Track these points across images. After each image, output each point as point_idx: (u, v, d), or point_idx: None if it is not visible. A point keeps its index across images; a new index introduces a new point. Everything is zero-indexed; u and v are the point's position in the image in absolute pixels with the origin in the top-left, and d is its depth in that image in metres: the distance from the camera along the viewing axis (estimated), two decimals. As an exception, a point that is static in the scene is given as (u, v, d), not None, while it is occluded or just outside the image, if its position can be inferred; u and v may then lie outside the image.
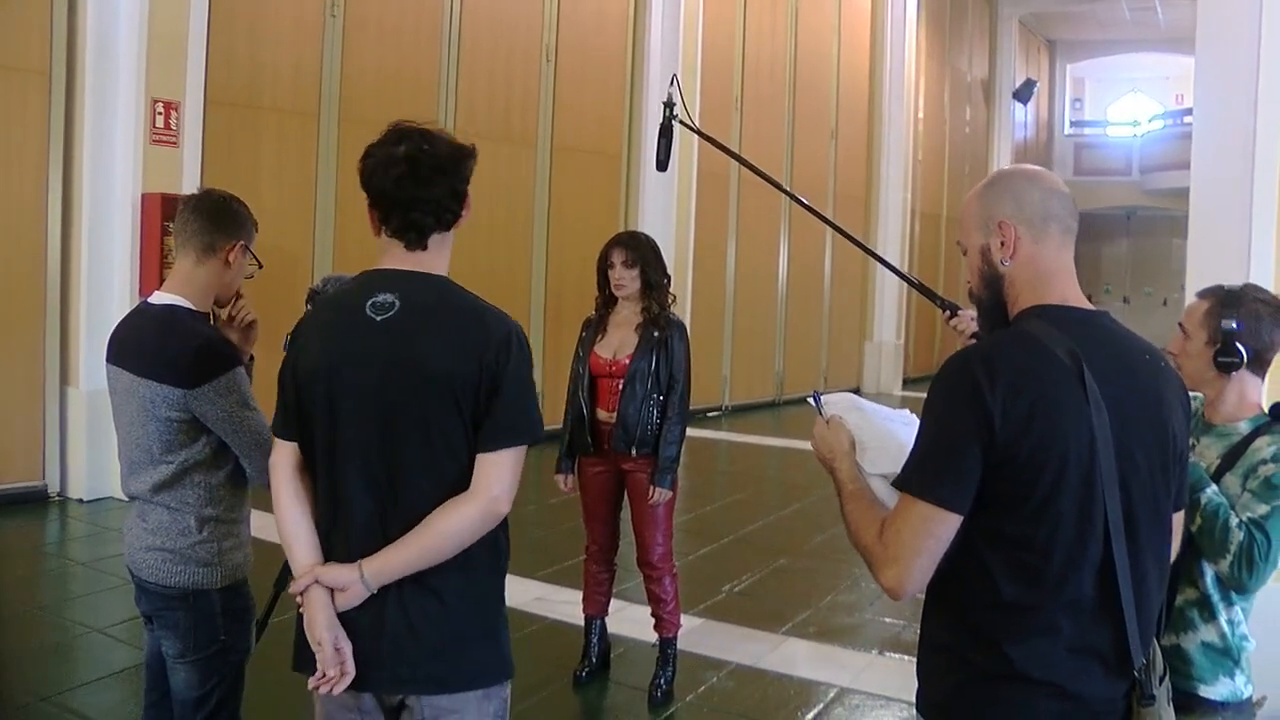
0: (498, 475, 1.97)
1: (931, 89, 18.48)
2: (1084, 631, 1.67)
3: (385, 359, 1.98)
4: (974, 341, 2.73)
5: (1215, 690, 2.30)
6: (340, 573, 1.98)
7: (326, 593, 1.99)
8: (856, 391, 15.92)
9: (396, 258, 2.08)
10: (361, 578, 1.97)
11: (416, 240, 2.07)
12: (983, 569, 1.69)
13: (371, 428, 1.99)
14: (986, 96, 21.34)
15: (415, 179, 2.02)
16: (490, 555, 2.06)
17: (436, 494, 1.97)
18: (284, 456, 2.10)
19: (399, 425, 1.98)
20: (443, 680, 2.02)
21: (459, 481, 1.98)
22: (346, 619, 2.00)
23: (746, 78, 13.40)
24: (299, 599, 2.03)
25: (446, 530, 1.95)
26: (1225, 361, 2.35)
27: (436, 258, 2.11)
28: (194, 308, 2.59)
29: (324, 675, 1.98)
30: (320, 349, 2.05)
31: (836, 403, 2.01)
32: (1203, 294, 2.45)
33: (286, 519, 2.07)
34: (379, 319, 2.00)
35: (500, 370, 1.98)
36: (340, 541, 2.03)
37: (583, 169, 11.01)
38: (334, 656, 1.97)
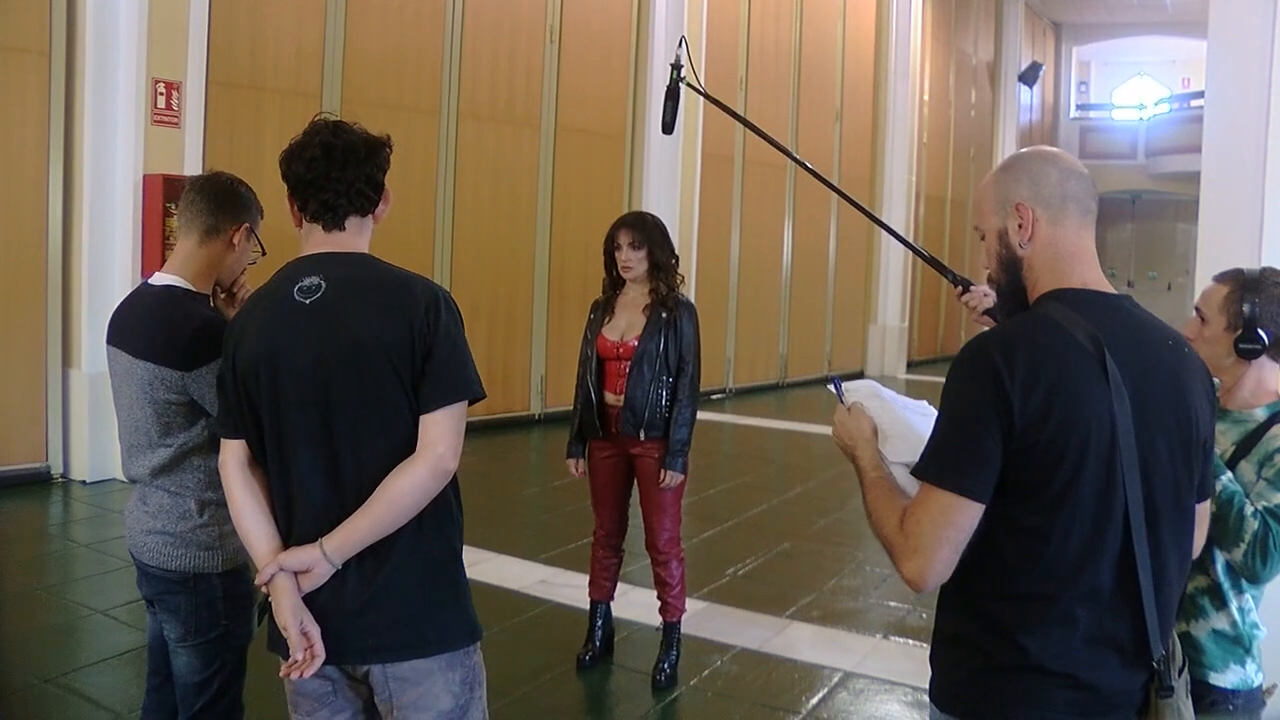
0: (439, 433, 2.00)
1: (937, 71, 18.39)
2: (1101, 622, 1.65)
3: (319, 339, 2.02)
4: (986, 318, 2.71)
5: (1226, 678, 2.28)
6: (303, 554, 2.02)
7: (291, 578, 2.02)
8: (860, 375, 15.96)
9: (316, 242, 2.13)
10: (324, 555, 2.00)
11: (334, 221, 2.12)
12: (999, 558, 1.66)
13: (314, 409, 2.02)
14: (992, 79, 21.22)
15: (329, 161, 2.07)
16: (443, 521, 2.10)
17: (386, 463, 2.00)
18: (231, 454, 2.12)
19: (341, 401, 2.01)
20: (407, 645, 2.05)
21: (406, 448, 2.01)
22: (308, 598, 2.03)
23: (751, 59, 13.33)
24: (265, 589, 2.06)
25: (398, 495, 1.98)
26: (1246, 348, 2.31)
27: (356, 239, 2.15)
28: (193, 288, 2.56)
29: (293, 661, 2.01)
30: (255, 341, 2.07)
31: (857, 389, 1.98)
32: (1220, 278, 2.40)
33: (243, 512, 2.10)
34: (308, 302, 2.04)
35: (432, 331, 2.02)
36: (299, 525, 2.06)
37: (586, 150, 10.97)
38: (301, 641, 2.01)
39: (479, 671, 2.18)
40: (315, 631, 2.02)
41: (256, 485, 2.11)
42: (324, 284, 2.05)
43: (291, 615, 2.01)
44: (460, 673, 2.11)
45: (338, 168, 2.08)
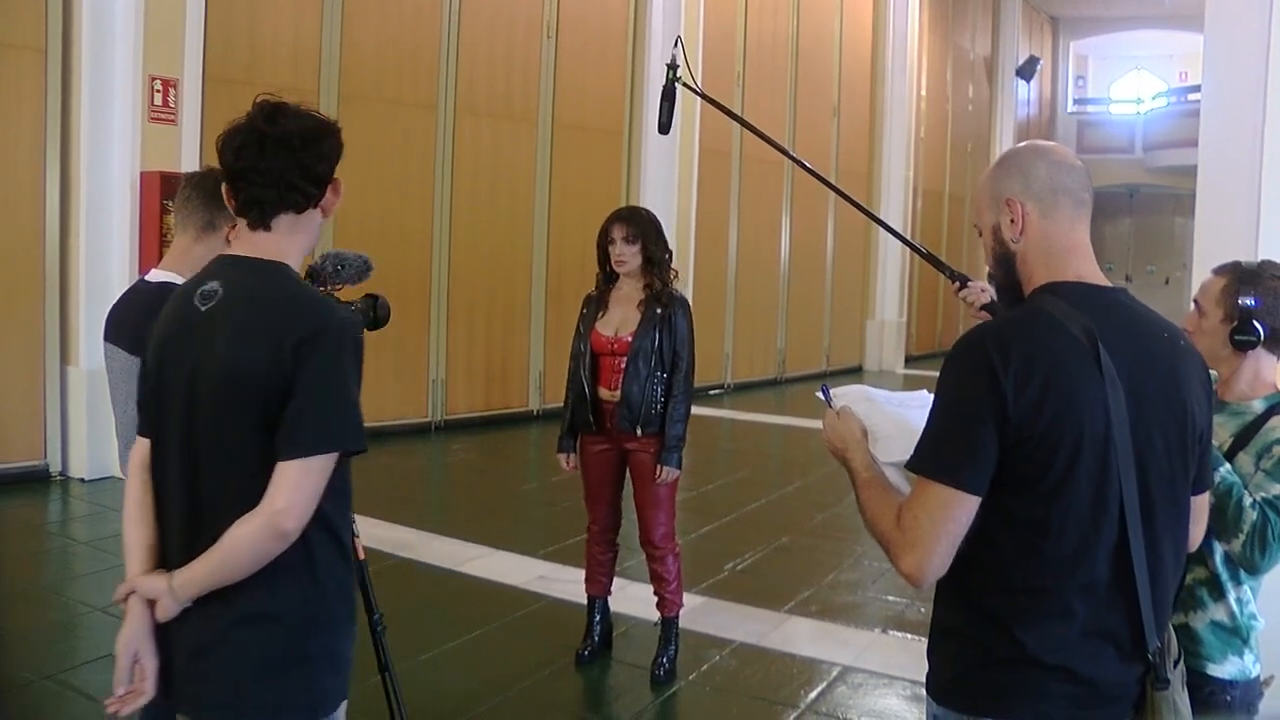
0: (282, 488, 1.77)
1: (934, 66, 18.38)
2: (1098, 615, 1.65)
3: (194, 354, 1.85)
4: (984, 314, 2.72)
5: (1223, 669, 2.28)
6: (155, 583, 1.85)
7: (144, 604, 1.86)
8: (859, 369, 15.97)
9: (240, 239, 1.95)
10: (170, 589, 1.83)
11: (258, 218, 1.90)
12: (995, 552, 1.67)
13: (181, 427, 1.86)
14: (989, 74, 21.22)
15: (256, 149, 1.86)
16: (302, 578, 1.86)
17: (240, 502, 1.79)
18: (139, 452, 1.98)
19: (202, 424, 1.84)
20: (233, 709, 1.86)
21: (261, 490, 1.79)
22: (162, 634, 1.88)
23: (749, 54, 13.33)
24: (123, 606, 1.90)
25: (234, 546, 1.78)
26: (1242, 339, 2.32)
27: (284, 242, 1.92)
28: (189, 285, 2.55)
29: (113, 696, 1.85)
30: (153, 342, 1.95)
31: (846, 394, 1.98)
32: (1219, 270, 2.41)
33: (127, 518, 1.95)
34: (203, 309, 1.87)
35: (296, 369, 1.78)
36: (166, 545, 1.91)
37: (584, 146, 10.96)
38: (125, 674, 1.85)
39: None
40: (150, 666, 1.86)
41: (151, 492, 1.94)
42: (221, 292, 1.87)
43: (125, 643, 1.85)
44: None
45: (267, 158, 1.86)
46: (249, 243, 1.92)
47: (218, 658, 1.84)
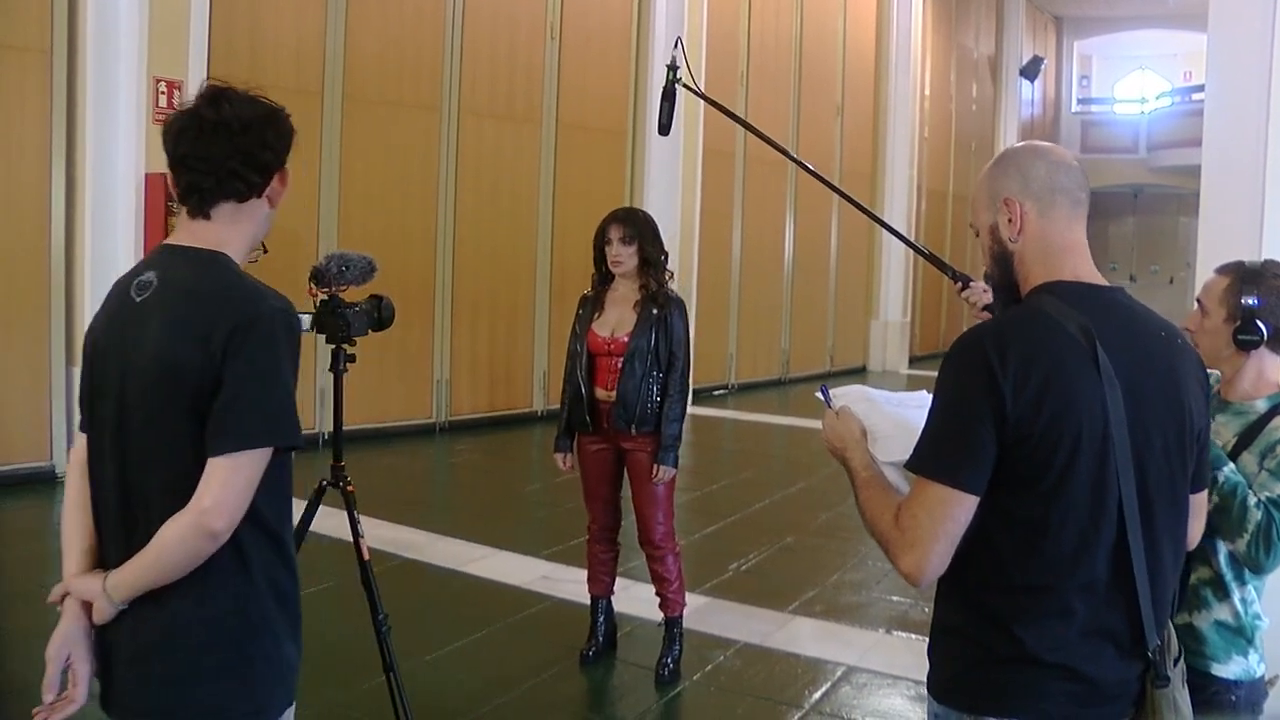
0: (211, 484, 1.70)
1: (938, 66, 18.37)
2: (1097, 613, 1.65)
3: (127, 347, 1.79)
4: (986, 314, 2.72)
5: (1228, 669, 2.28)
6: (89, 584, 1.79)
7: (79, 606, 1.80)
8: (863, 370, 15.97)
9: (180, 229, 1.88)
10: (104, 590, 1.77)
11: (197, 206, 1.84)
12: (994, 551, 1.67)
13: (113, 422, 1.80)
14: (993, 73, 21.20)
15: (195, 134, 1.81)
16: (235, 579, 1.79)
17: (172, 500, 1.73)
18: (78, 452, 1.92)
19: (132, 423, 1.78)
20: (163, 712, 1.81)
21: (193, 488, 1.73)
22: (100, 637, 1.83)
23: (752, 53, 13.33)
24: (60, 608, 1.85)
25: (164, 546, 1.72)
26: (1245, 339, 2.31)
27: (224, 232, 1.86)
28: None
29: (42, 706, 1.80)
30: (89, 335, 1.89)
31: (845, 394, 1.98)
32: (1221, 270, 2.41)
33: (64, 521, 1.89)
34: (138, 300, 1.81)
35: (225, 359, 1.71)
36: (103, 544, 1.85)
37: (587, 146, 10.96)
38: (55, 680, 1.80)
39: None
40: (82, 671, 1.80)
41: (88, 491, 1.87)
42: (155, 282, 1.81)
43: (57, 647, 1.80)
44: None
45: (205, 144, 1.80)
46: (189, 232, 1.86)
47: (152, 662, 1.79)
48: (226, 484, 1.70)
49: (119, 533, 1.81)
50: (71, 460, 1.94)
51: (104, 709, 1.84)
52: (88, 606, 1.80)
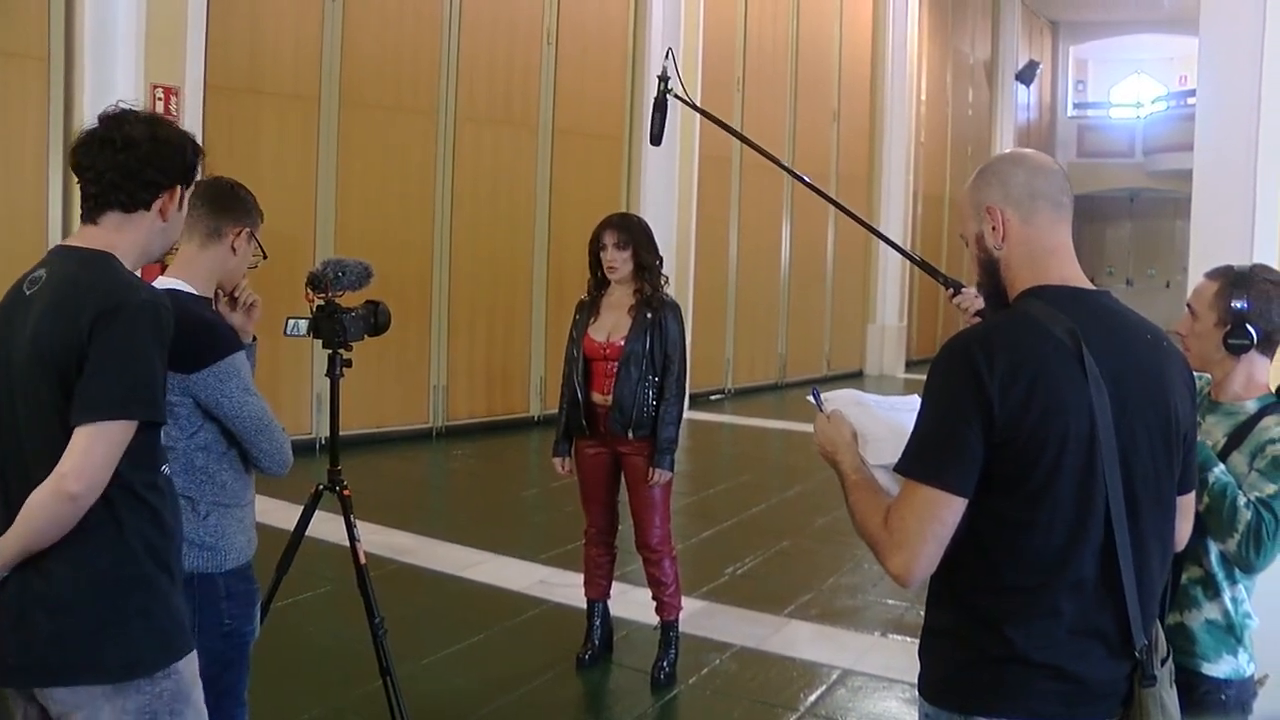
0: (71, 453, 1.84)
1: (934, 70, 18.40)
2: (1086, 613, 1.67)
3: (15, 337, 1.95)
4: (978, 319, 2.74)
5: (1218, 668, 2.30)
6: None
7: None
8: (859, 374, 15.98)
9: (77, 232, 2.06)
10: None
11: (86, 212, 2.03)
12: (983, 552, 1.69)
13: (5, 408, 1.96)
14: (989, 78, 21.24)
15: (86, 147, 2.00)
16: (108, 540, 1.92)
17: (46, 475, 1.86)
18: None
19: (19, 407, 1.94)
20: (52, 671, 1.91)
21: None
22: None
23: (749, 59, 13.35)
24: None
25: (29, 513, 1.86)
26: (1235, 343, 2.34)
27: (111, 238, 2.01)
28: (196, 292, 2.58)
29: None
30: None
31: (837, 398, 2.00)
32: (1211, 274, 2.43)
33: None
34: (28, 294, 1.98)
35: (91, 340, 1.87)
36: (5, 523, 1.95)
37: (584, 152, 10.98)
38: None
39: (171, 700, 1.99)
40: None
41: None
42: (44, 277, 1.98)
43: None
44: (136, 700, 1.94)
45: (91, 155, 1.99)
46: (81, 234, 2.03)
47: (34, 622, 1.91)
48: (85, 451, 1.84)
49: (8, 505, 1.93)
50: None
51: None
52: None
